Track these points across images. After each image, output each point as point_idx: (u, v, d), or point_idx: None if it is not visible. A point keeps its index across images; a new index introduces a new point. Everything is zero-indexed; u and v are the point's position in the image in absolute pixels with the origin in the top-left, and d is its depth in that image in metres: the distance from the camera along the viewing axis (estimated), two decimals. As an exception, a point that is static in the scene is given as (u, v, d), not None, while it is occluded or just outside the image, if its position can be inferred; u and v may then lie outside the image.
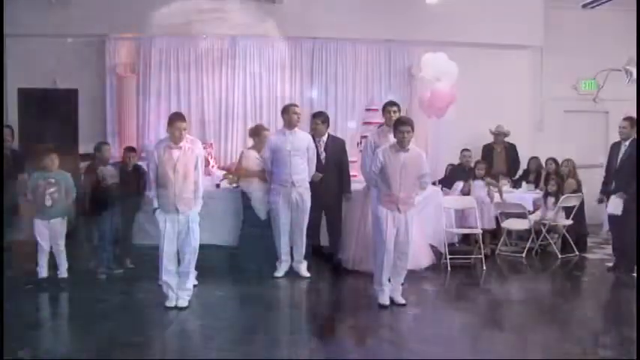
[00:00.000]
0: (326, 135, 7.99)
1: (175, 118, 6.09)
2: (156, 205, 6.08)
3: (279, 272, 7.51)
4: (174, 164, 5.99)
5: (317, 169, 7.69)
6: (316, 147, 7.77)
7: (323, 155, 7.84)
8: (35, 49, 9.86)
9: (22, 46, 9.86)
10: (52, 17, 9.70)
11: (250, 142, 8.16)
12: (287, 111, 7.54)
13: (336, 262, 7.85)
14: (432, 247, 8.11)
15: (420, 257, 7.75)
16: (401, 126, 6.12)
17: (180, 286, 6.23)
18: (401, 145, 6.13)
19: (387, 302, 6.26)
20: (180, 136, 6.02)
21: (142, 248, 7.73)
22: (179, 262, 6.20)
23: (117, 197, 7.55)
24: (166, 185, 6.01)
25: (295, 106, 7.67)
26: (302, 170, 7.41)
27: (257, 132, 7.89)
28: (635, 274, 7.51)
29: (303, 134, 7.60)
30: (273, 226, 7.51)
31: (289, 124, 7.45)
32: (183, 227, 6.08)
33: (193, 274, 7.13)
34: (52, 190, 6.99)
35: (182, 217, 6.06)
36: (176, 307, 6.10)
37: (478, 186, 8.81)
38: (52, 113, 8.51)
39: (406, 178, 6.13)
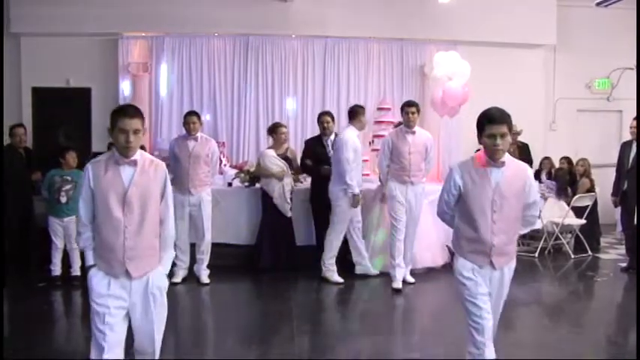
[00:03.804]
0: (333, 134, 7.90)
1: (120, 113, 3.52)
2: (91, 260, 3.54)
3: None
4: (123, 191, 3.50)
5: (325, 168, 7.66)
6: (324, 146, 7.78)
7: (331, 154, 7.69)
8: (49, 48, 9.90)
9: (36, 46, 9.92)
10: (66, 16, 9.73)
11: (270, 141, 8.12)
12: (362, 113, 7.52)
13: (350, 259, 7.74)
14: (448, 247, 8.07)
15: (437, 255, 7.83)
16: (492, 124, 3.64)
17: None
18: (493, 156, 3.68)
19: None
20: (129, 143, 3.47)
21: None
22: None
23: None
24: (109, 229, 3.49)
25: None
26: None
27: (273, 130, 7.92)
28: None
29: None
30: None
31: (360, 126, 7.36)
32: (139, 300, 3.53)
33: (205, 272, 7.21)
34: (67, 187, 7.08)
35: (137, 284, 3.52)
36: None
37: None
38: (66, 112, 8.56)
39: (503, 211, 3.74)
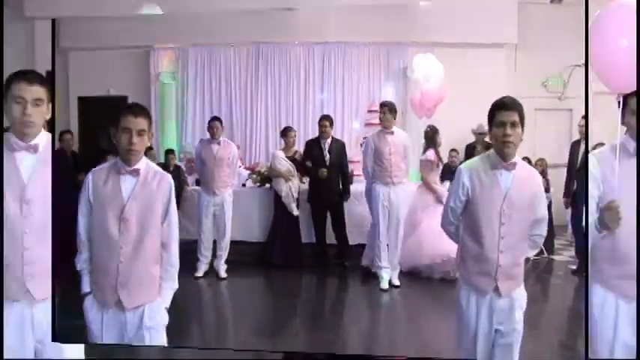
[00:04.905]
0: (330, 137, 7.38)
1: (124, 111, 2.71)
2: (86, 287, 2.72)
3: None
4: (121, 206, 2.66)
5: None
6: (322, 149, 7.29)
7: (327, 157, 7.24)
8: (92, 60, 9.44)
9: (81, 59, 9.48)
10: (106, 31, 9.20)
11: (282, 143, 7.77)
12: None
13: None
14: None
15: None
16: (501, 110, 2.76)
17: None
18: (502, 151, 2.78)
19: None
20: (132, 145, 2.64)
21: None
22: None
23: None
24: (104, 248, 2.68)
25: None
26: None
27: (284, 134, 7.57)
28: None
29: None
30: None
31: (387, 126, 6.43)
32: (133, 336, 2.69)
33: (224, 267, 6.97)
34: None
35: (131, 317, 2.67)
36: None
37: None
38: (107, 119, 8.29)
39: (512, 223, 2.76)
